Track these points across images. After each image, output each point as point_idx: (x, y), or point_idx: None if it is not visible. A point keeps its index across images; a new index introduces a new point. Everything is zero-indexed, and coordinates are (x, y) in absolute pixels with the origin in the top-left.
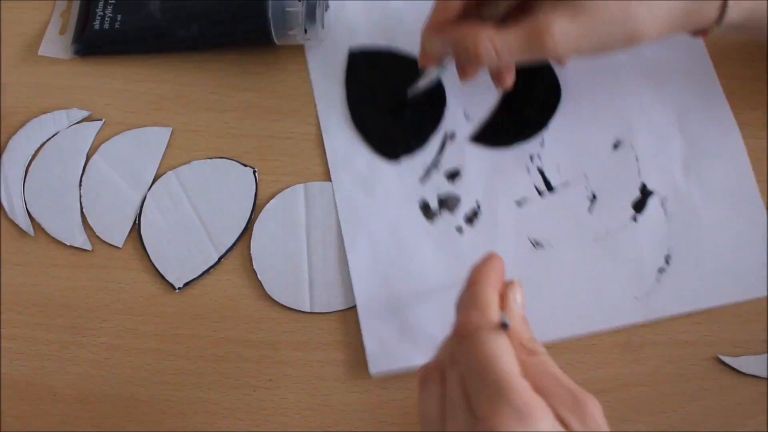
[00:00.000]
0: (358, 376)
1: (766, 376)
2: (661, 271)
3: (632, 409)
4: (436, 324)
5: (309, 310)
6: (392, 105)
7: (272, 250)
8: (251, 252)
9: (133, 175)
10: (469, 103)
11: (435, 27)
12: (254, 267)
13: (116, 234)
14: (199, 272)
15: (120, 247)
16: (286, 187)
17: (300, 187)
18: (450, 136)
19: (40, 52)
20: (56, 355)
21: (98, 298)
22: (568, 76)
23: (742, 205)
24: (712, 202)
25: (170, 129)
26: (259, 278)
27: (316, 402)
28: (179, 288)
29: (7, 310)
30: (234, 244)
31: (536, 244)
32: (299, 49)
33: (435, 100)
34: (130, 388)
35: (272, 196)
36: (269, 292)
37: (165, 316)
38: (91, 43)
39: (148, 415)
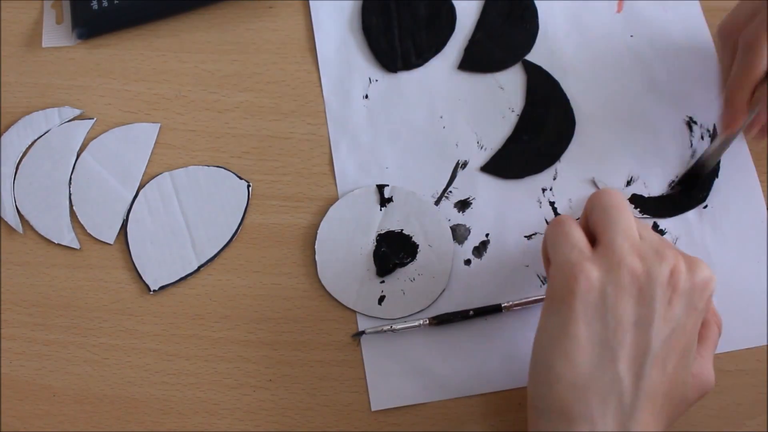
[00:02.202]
0: (358, 376)
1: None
2: None
3: None
4: (440, 360)
5: (352, 307)
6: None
7: (336, 248)
8: (316, 247)
9: (122, 171)
10: (484, 131)
11: (745, 86)
12: (316, 258)
13: (107, 231)
14: (176, 278)
15: (111, 243)
16: (286, 188)
17: (371, 189)
18: (462, 165)
19: (44, 44)
20: (55, 355)
21: (97, 298)
22: (583, 107)
23: (755, 250)
24: (725, 244)
25: (158, 125)
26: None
27: (316, 402)
28: (154, 291)
29: (6, 310)
30: (215, 256)
31: (544, 281)
32: (304, 50)
33: (445, 19)
34: (129, 388)
35: (270, 197)
36: (325, 283)
37: (164, 316)
38: (94, 24)
39: (147, 415)
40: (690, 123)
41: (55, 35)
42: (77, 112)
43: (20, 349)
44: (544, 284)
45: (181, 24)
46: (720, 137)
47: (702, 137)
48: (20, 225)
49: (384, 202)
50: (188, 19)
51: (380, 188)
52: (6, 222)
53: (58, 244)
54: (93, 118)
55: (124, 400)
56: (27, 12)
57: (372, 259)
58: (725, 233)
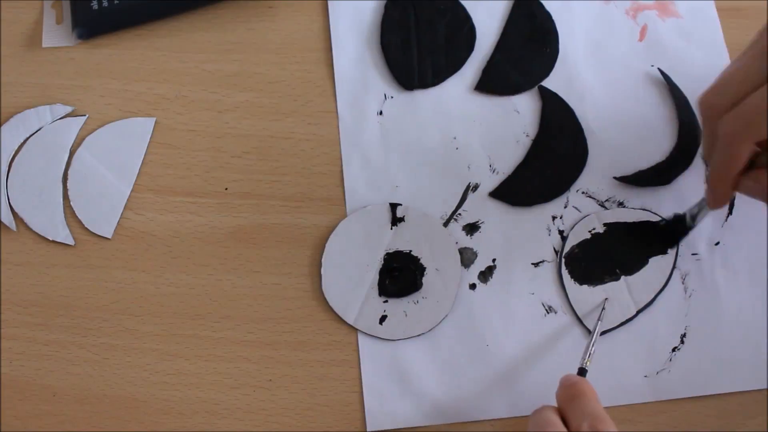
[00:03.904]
0: (357, 377)
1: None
2: (674, 350)
3: (632, 409)
4: (439, 384)
5: (353, 324)
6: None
7: (342, 263)
8: (322, 259)
9: (118, 166)
10: (497, 155)
11: (726, 179)
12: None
13: (104, 225)
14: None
15: (109, 238)
16: (286, 188)
17: (384, 207)
18: (473, 188)
19: (44, 45)
20: (56, 355)
21: (97, 298)
22: (598, 135)
23: (765, 290)
24: (736, 282)
25: (154, 119)
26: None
27: (316, 402)
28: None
29: (6, 310)
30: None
31: (549, 310)
32: (304, 50)
33: (465, 39)
34: (129, 388)
35: (270, 197)
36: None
37: (165, 316)
38: (94, 24)
39: (147, 415)
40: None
41: (55, 35)
42: (69, 109)
43: (20, 349)
44: (548, 313)
45: (181, 24)
46: (706, 209)
47: None
48: (14, 223)
49: (396, 221)
50: (188, 19)
51: (393, 207)
52: (5, 222)
53: (58, 244)
54: (85, 115)
55: (124, 400)
56: (27, 12)
57: (377, 277)
58: (736, 271)
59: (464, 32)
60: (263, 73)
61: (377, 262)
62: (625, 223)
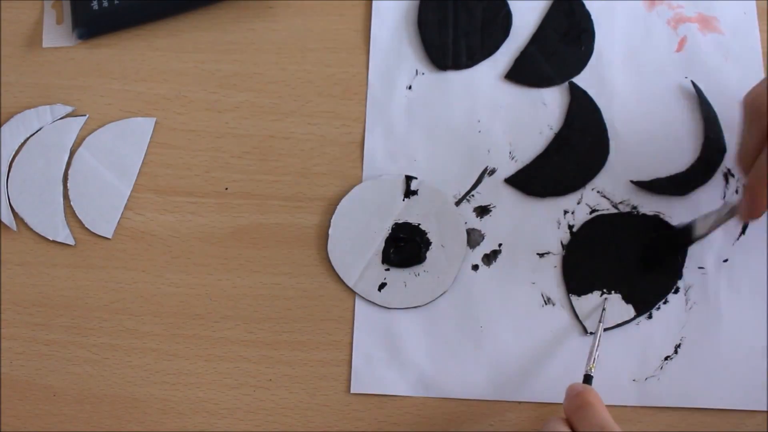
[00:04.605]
0: None
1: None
2: (667, 359)
3: (631, 409)
4: (428, 358)
5: (352, 287)
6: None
7: (351, 226)
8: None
9: (118, 166)
10: (518, 143)
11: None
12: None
13: (104, 225)
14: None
15: (110, 238)
16: (286, 188)
17: (400, 178)
18: (490, 172)
19: (44, 45)
20: (56, 355)
21: (97, 298)
22: (621, 138)
23: (767, 311)
24: (738, 301)
25: (154, 119)
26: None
27: (316, 402)
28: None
29: (6, 310)
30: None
31: (547, 301)
32: (304, 50)
33: (500, 24)
34: (129, 388)
35: (270, 197)
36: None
37: (165, 316)
38: (94, 24)
39: (147, 415)
40: (727, 175)
41: (56, 35)
42: (69, 109)
43: (20, 349)
44: (546, 304)
45: (181, 24)
46: (725, 214)
47: (737, 191)
48: (14, 223)
49: (409, 193)
50: (188, 19)
51: (408, 179)
52: (5, 222)
53: (58, 244)
54: (85, 115)
55: (124, 400)
56: (27, 12)
57: (383, 245)
58: (740, 290)
59: (501, 17)
60: (263, 73)
61: (385, 231)
62: (635, 225)
